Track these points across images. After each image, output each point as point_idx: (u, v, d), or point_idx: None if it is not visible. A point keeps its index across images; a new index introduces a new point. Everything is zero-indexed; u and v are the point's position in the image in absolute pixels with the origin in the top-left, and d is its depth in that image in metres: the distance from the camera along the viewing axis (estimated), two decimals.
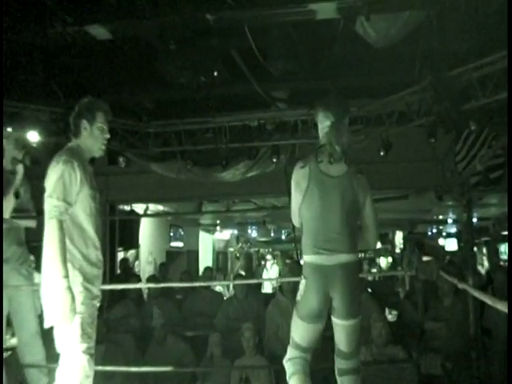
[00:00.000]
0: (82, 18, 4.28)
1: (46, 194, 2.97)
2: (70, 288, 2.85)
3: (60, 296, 2.83)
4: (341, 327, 3.06)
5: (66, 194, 2.94)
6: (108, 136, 3.22)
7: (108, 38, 4.41)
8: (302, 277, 3.11)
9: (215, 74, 4.77)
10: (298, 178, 3.12)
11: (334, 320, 3.08)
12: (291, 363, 3.16)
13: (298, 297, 3.11)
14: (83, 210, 3.04)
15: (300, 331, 3.15)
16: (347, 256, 3.04)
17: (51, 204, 2.92)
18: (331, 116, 3.15)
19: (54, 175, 2.97)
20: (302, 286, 3.09)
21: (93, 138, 3.15)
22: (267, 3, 4.16)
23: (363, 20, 4.24)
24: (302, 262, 3.25)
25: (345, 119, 3.20)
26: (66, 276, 2.85)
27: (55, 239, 2.87)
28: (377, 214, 3.19)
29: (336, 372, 3.17)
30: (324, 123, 3.18)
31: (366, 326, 5.11)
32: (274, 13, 4.24)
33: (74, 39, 4.40)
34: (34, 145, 5.23)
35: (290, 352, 3.20)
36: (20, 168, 4.16)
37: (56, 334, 2.99)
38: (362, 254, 14.63)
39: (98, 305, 3.15)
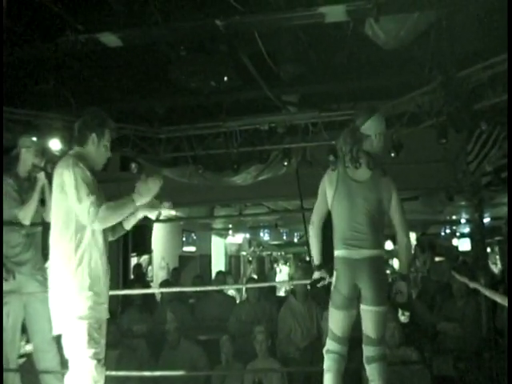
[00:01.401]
0: (93, 26, 4.32)
1: (73, 201, 2.93)
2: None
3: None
4: (369, 313, 3.31)
5: (91, 188, 2.93)
6: (110, 155, 3.27)
7: (119, 45, 4.44)
8: (334, 270, 3.41)
9: (225, 79, 4.79)
10: (330, 180, 3.46)
11: (363, 307, 3.34)
12: (328, 357, 3.44)
13: (332, 287, 3.41)
14: None
15: (335, 320, 3.43)
16: (372, 251, 3.32)
17: (87, 206, 2.88)
18: (382, 126, 3.50)
19: (71, 179, 2.94)
20: (334, 278, 3.41)
21: (98, 152, 3.17)
22: (276, 7, 4.18)
23: (372, 22, 4.25)
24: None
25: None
26: (131, 196, 3.00)
27: (118, 213, 2.99)
28: (404, 212, 3.46)
29: (364, 361, 3.39)
30: (374, 131, 3.43)
31: None
32: (283, 17, 4.25)
33: (85, 47, 4.43)
34: (57, 153, 5.29)
35: (329, 343, 3.47)
36: (42, 175, 4.22)
37: (64, 340, 3.01)
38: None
39: (106, 307, 3.12)
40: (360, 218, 3.35)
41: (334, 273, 3.42)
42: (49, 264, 3.17)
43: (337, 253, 3.43)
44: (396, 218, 3.42)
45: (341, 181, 3.40)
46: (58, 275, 3.00)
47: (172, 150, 6.74)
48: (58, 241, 3.03)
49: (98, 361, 2.96)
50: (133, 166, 6.42)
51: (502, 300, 3.06)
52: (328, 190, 3.46)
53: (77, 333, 2.92)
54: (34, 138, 4.79)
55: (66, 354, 3.00)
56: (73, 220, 2.97)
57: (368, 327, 3.34)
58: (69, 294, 2.95)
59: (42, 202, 4.25)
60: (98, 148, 3.16)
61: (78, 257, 2.97)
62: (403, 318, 7.26)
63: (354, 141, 3.39)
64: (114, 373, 4.34)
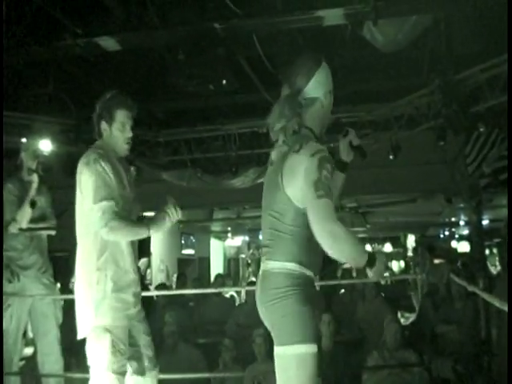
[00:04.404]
0: (92, 30, 4.33)
1: (89, 202, 2.74)
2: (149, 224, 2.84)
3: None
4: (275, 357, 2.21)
5: (109, 191, 2.74)
6: (130, 135, 2.98)
7: (117, 49, 4.45)
8: None
9: (224, 82, 4.80)
10: None
11: None
12: None
13: None
14: None
15: None
16: (273, 264, 2.23)
17: (100, 210, 2.69)
18: (331, 78, 2.42)
19: (89, 178, 2.76)
20: None
21: (114, 138, 2.93)
22: (274, 11, 4.19)
23: (370, 25, 4.26)
24: None
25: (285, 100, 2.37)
26: (148, 224, 2.81)
27: (128, 233, 2.78)
28: (325, 204, 2.05)
29: None
30: (323, 89, 2.37)
31: (379, 330, 5.11)
32: (282, 20, 4.26)
33: (83, 51, 4.45)
34: (46, 154, 5.28)
35: None
36: (34, 177, 4.24)
37: (87, 347, 2.78)
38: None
39: (135, 311, 2.89)
40: (265, 218, 2.32)
41: None
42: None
43: None
44: (308, 212, 2.09)
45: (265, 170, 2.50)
46: (81, 281, 2.82)
47: (171, 153, 6.75)
48: (80, 244, 2.87)
49: (122, 374, 2.73)
50: (131, 169, 6.42)
51: (500, 304, 3.03)
52: None
53: (100, 343, 2.71)
54: (29, 141, 4.82)
55: (89, 361, 2.78)
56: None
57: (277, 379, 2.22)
58: (91, 302, 2.75)
59: (33, 205, 4.24)
60: (111, 134, 2.92)
61: (101, 262, 2.77)
62: (403, 320, 7.29)
63: (294, 111, 2.29)
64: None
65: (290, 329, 2.13)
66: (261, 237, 2.42)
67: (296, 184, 2.14)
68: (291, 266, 2.19)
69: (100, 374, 2.70)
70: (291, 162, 2.18)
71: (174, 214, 2.87)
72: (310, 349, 2.10)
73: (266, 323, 2.31)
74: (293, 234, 2.20)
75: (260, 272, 2.32)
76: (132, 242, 2.90)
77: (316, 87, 2.34)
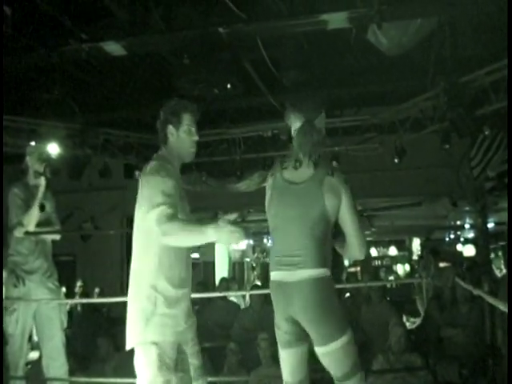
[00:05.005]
0: (97, 35, 4.35)
1: (146, 209, 2.68)
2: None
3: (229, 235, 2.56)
4: (322, 355, 2.62)
5: (169, 198, 2.67)
6: (196, 138, 2.98)
7: (122, 53, 4.47)
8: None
9: (229, 86, 4.81)
10: (267, 187, 2.84)
11: (315, 348, 2.65)
12: None
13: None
14: None
15: (282, 363, 2.79)
16: (311, 272, 2.58)
17: (156, 214, 2.61)
18: (302, 117, 2.76)
19: (150, 189, 2.72)
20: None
21: (180, 142, 2.93)
22: (279, 15, 4.20)
23: (375, 28, 4.26)
24: None
25: (317, 120, 2.78)
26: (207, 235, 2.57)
27: (183, 235, 2.62)
28: (359, 220, 2.69)
29: None
30: (294, 125, 2.79)
31: (384, 334, 5.10)
32: (286, 24, 4.27)
33: (89, 56, 4.46)
34: (54, 157, 5.31)
35: None
36: (42, 181, 4.25)
37: (135, 359, 2.72)
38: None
39: (185, 327, 2.86)
40: (296, 228, 2.65)
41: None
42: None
43: (271, 275, 2.76)
44: (349, 226, 2.67)
45: (276, 186, 2.77)
46: (133, 294, 2.77)
47: None
48: (135, 257, 2.82)
49: None
50: (137, 173, 6.44)
51: (504, 307, 3.01)
52: (266, 199, 2.84)
53: (147, 358, 2.67)
54: (35, 144, 4.83)
55: (137, 372, 2.72)
56: (151, 233, 2.69)
57: (329, 367, 2.66)
58: (141, 316, 2.71)
59: (42, 208, 4.26)
60: (178, 137, 2.92)
61: (153, 278, 2.73)
62: (408, 324, 7.26)
63: (319, 138, 2.75)
64: (118, 380, 4.34)
65: (335, 326, 2.57)
66: (268, 243, 2.56)
67: (335, 202, 2.63)
68: (325, 271, 2.61)
69: None
70: (330, 183, 2.64)
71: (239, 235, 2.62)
72: (350, 333, 2.59)
73: (307, 327, 2.61)
74: (325, 243, 2.64)
75: (290, 280, 2.62)
76: (186, 256, 2.87)
77: (320, 121, 2.80)
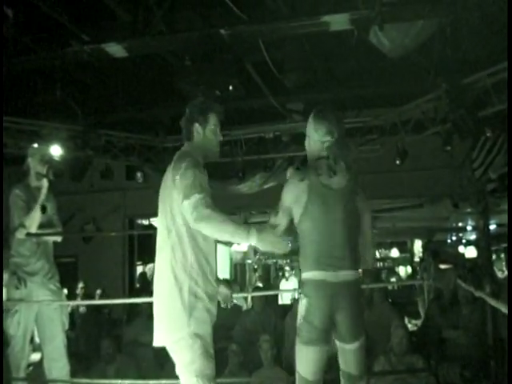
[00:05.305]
0: (99, 37, 4.36)
1: (181, 200, 2.68)
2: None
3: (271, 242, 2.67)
4: (348, 352, 2.82)
5: (206, 191, 2.70)
6: (221, 138, 3.02)
7: (124, 55, 4.48)
8: (302, 296, 2.83)
9: (230, 88, 4.81)
10: (298, 192, 2.87)
11: (340, 344, 2.83)
12: None
13: (300, 319, 2.81)
14: None
15: (304, 360, 2.85)
16: (352, 273, 2.80)
17: (192, 203, 2.62)
18: (334, 129, 2.90)
19: (185, 180, 2.72)
20: (302, 307, 2.80)
21: (206, 141, 2.95)
22: (280, 16, 4.20)
23: (377, 30, 4.26)
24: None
25: (343, 132, 2.97)
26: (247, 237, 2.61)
27: (221, 224, 2.62)
28: (373, 232, 3.03)
29: None
30: (324, 136, 2.92)
31: (386, 336, 5.09)
32: (288, 26, 4.28)
33: (91, 57, 4.47)
34: (57, 158, 5.31)
35: None
36: (44, 182, 4.25)
37: (176, 356, 2.75)
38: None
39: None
40: (338, 231, 2.82)
41: (303, 301, 2.81)
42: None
43: (307, 275, 2.84)
44: (367, 236, 2.96)
45: (314, 191, 2.84)
46: (167, 290, 2.79)
47: None
48: (160, 255, 2.90)
49: (214, 379, 2.74)
50: (138, 175, 6.45)
51: (506, 309, 3.01)
52: (297, 203, 2.88)
53: (193, 350, 2.69)
54: (37, 146, 4.83)
55: (178, 370, 2.74)
56: (185, 229, 2.74)
57: (349, 365, 2.84)
58: (183, 310, 2.71)
59: (44, 210, 4.26)
60: (204, 136, 2.94)
61: (194, 272, 2.75)
62: (410, 326, 7.25)
63: (348, 149, 3.00)
64: (119, 381, 4.34)
65: (362, 324, 2.83)
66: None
67: (363, 210, 2.92)
68: (360, 273, 2.88)
69: (193, 381, 2.68)
70: (359, 191, 2.92)
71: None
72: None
73: (343, 324, 2.76)
74: (358, 243, 2.88)
75: (334, 280, 2.77)
76: (215, 253, 2.90)
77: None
